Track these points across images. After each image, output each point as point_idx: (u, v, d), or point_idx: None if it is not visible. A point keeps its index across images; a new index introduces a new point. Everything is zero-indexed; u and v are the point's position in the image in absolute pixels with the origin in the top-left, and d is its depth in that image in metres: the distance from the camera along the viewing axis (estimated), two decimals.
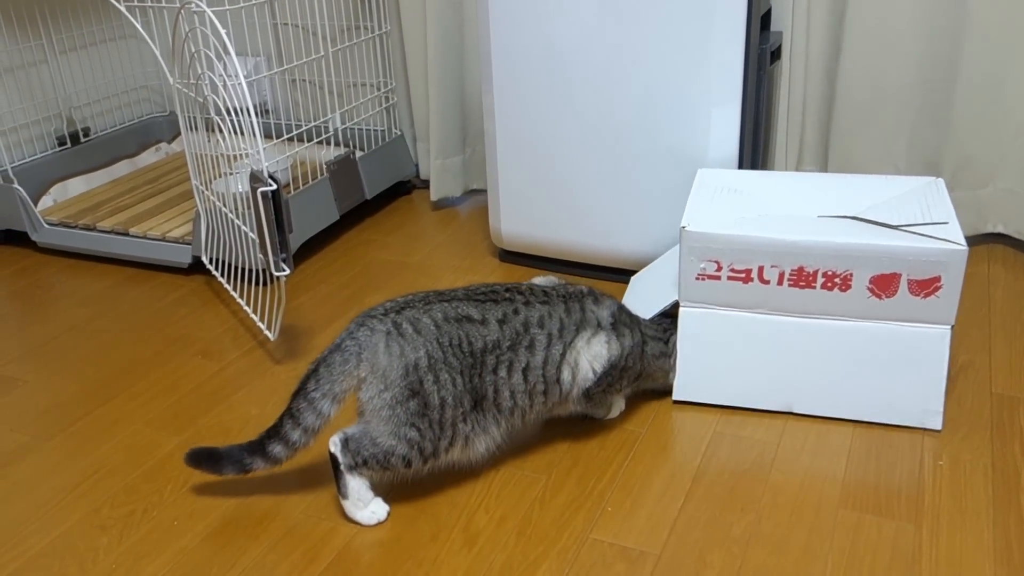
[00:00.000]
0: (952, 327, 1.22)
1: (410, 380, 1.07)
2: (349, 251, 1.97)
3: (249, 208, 1.62)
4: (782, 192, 1.41)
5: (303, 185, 1.92)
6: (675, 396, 1.35)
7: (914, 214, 1.28)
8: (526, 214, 1.79)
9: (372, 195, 2.12)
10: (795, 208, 1.35)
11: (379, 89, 2.20)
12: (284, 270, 1.42)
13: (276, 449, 1.12)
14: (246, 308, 1.70)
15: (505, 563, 1.07)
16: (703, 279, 1.30)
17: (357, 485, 1.13)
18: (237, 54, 2.29)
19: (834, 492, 1.15)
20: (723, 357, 1.33)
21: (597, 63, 1.58)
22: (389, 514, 1.16)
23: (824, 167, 1.83)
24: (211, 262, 1.82)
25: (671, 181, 1.62)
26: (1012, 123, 1.65)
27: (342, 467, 1.11)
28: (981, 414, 1.28)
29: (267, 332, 1.58)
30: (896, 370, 1.25)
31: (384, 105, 2.22)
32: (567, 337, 1.16)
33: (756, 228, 1.27)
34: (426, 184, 2.24)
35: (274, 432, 1.12)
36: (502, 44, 1.66)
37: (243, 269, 1.76)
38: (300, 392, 1.10)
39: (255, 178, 1.40)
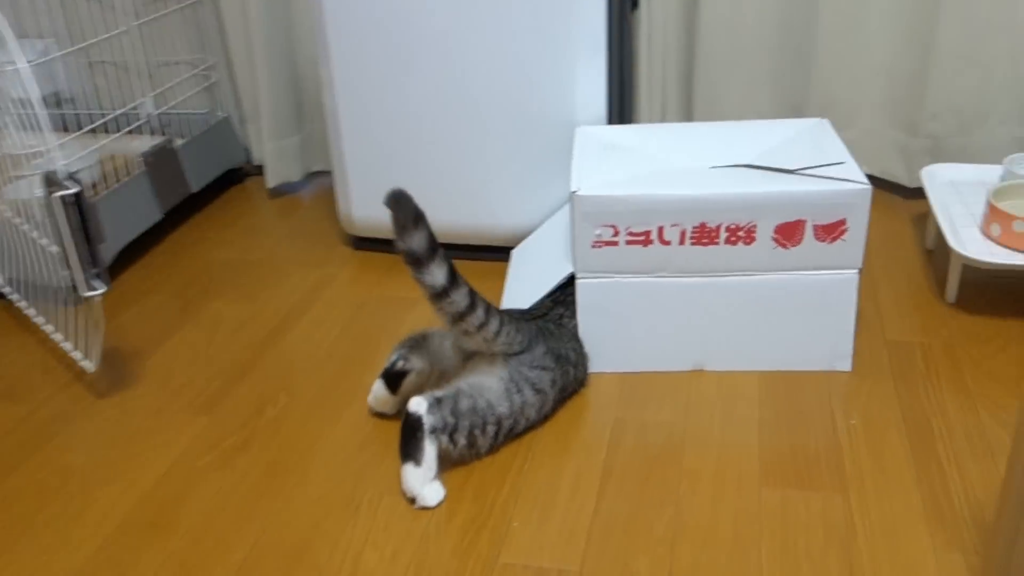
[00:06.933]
0: (860, 270, 1.16)
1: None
2: (179, 253, 1.73)
3: (48, 217, 1.36)
4: (668, 145, 1.32)
5: (116, 183, 1.65)
6: None
7: (808, 157, 1.21)
8: (380, 196, 1.61)
9: (199, 187, 1.88)
10: (685, 161, 1.26)
11: (195, 67, 1.95)
12: (97, 287, 1.18)
13: (440, 273, 1.04)
14: (55, 336, 1.43)
15: None
16: (600, 246, 1.18)
17: (432, 452, 1.05)
18: (19, 36, 1.96)
19: (752, 469, 1.06)
20: (628, 325, 1.23)
21: (446, 21, 1.42)
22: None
23: (689, 119, 1.75)
24: (8, 284, 1.54)
25: (542, 145, 1.49)
26: (871, 63, 1.63)
27: (425, 430, 1.04)
28: (881, 364, 1.23)
29: (84, 362, 1.34)
30: (805, 318, 1.20)
31: (203, 85, 1.97)
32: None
33: (652, 186, 1.16)
34: (260, 170, 2.02)
35: (458, 280, 1.06)
36: (337, 7, 1.46)
37: (47, 290, 1.49)
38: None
39: (50, 181, 1.16)
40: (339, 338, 1.41)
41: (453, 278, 1.04)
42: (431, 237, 1.03)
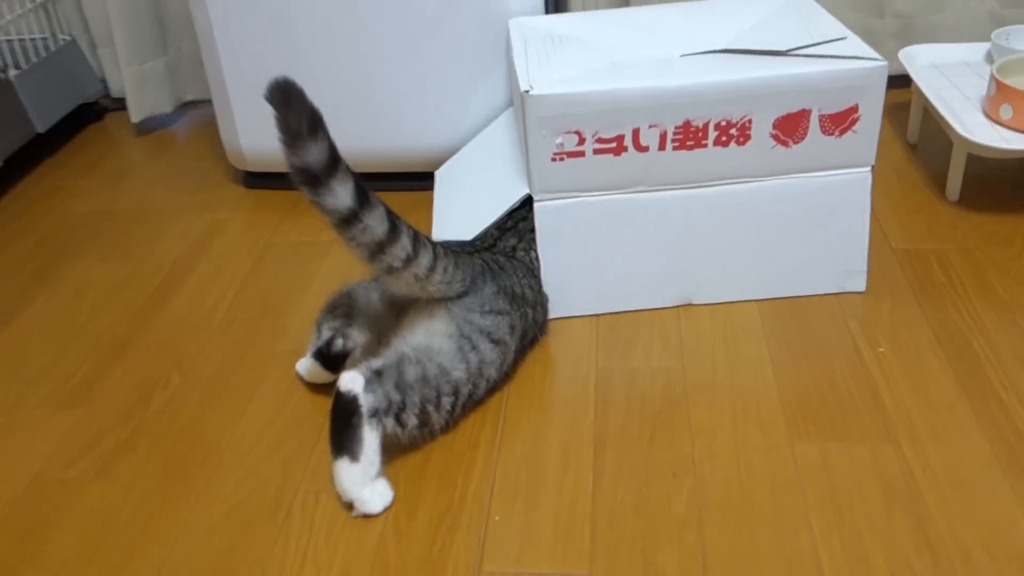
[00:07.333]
0: (872, 168, 0.97)
1: None
2: (27, 208, 1.42)
3: None
4: (624, 33, 1.09)
5: None
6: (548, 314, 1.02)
7: (797, 35, 1.00)
8: (272, 122, 1.33)
9: (46, 128, 1.56)
10: (648, 50, 1.03)
11: None
12: None
13: (345, 192, 0.78)
14: None
15: None
16: (562, 159, 0.95)
17: (374, 442, 0.80)
18: None
19: (777, 419, 0.87)
20: (600, 255, 1.01)
21: None
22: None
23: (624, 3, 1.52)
24: None
25: (465, 43, 1.23)
26: None
27: (363, 414, 0.80)
28: (895, 278, 1.05)
29: None
30: (811, 231, 1.00)
31: (38, 1, 1.61)
32: None
33: (621, 79, 0.93)
34: (122, 103, 1.68)
35: (371, 199, 0.79)
36: None
37: None
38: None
39: None
40: (239, 296, 1.14)
41: (363, 197, 0.79)
42: (332, 147, 0.77)
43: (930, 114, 1.25)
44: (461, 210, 1.14)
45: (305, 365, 0.96)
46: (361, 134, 1.30)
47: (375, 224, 0.79)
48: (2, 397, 0.99)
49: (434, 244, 0.86)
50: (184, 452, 0.90)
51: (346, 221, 0.79)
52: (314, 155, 0.76)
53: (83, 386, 1.00)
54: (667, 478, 0.81)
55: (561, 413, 0.90)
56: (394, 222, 0.81)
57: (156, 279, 1.20)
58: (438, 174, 1.29)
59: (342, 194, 0.77)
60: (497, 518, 0.79)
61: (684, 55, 1.02)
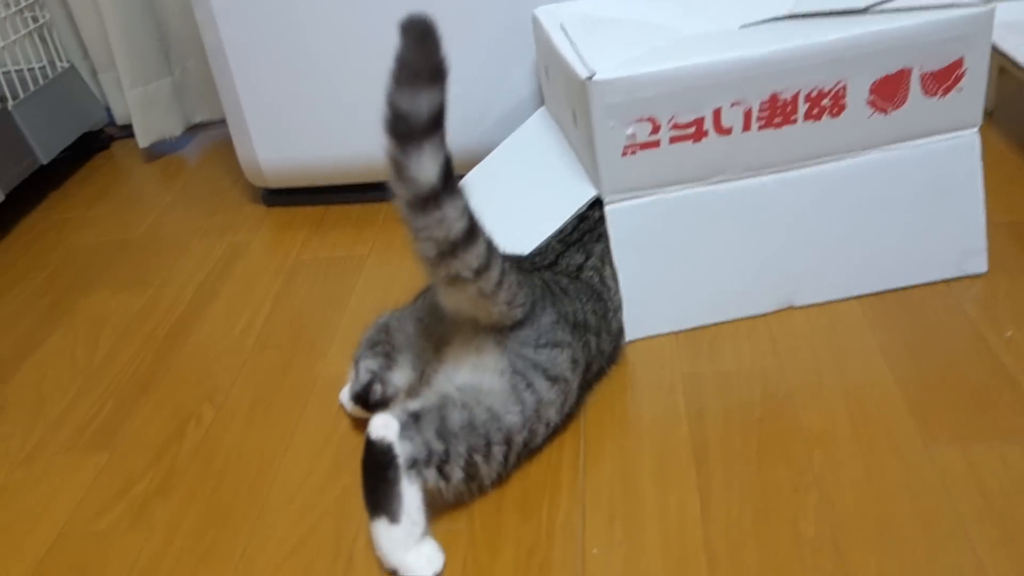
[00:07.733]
0: (980, 128, 0.87)
1: None
2: (34, 242, 1.33)
3: None
4: (671, 8, 0.99)
5: None
6: (628, 335, 0.90)
7: None
8: (291, 134, 1.24)
9: (49, 158, 1.47)
10: (704, 23, 0.92)
11: (17, 4, 1.50)
12: None
13: (432, 166, 0.64)
14: None
15: None
16: (634, 151, 0.84)
17: (415, 498, 0.69)
18: None
19: (904, 420, 0.76)
20: (685, 259, 0.89)
21: None
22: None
23: None
24: None
25: (488, 38, 1.14)
26: None
27: (400, 466, 0.68)
28: (1005, 255, 0.95)
29: None
30: (920, 207, 0.89)
31: (32, 27, 1.52)
32: None
33: (694, 53, 0.83)
34: (129, 130, 1.59)
35: (455, 187, 0.67)
36: None
37: None
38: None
39: None
40: (270, 320, 1.04)
41: (449, 180, 0.66)
42: (442, 108, 0.64)
43: (1008, 76, 1.15)
44: (509, 219, 1.03)
45: (348, 401, 0.85)
46: (379, 141, 1.20)
47: (454, 217, 0.66)
48: (20, 444, 0.89)
49: (502, 256, 0.73)
50: (226, 494, 0.79)
51: (423, 202, 0.65)
52: (421, 104, 0.63)
53: (107, 427, 0.90)
54: (787, 494, 0.70)
55: (650, 427, 0.79)
56: (473, 221, 0.68)
57: (178, 308, 1.10)
58: (466, 180, 1.18)
59: (429, 166, 0.64)
60: (595, 551, 0.68)
61: (744, 26, 0.92)
